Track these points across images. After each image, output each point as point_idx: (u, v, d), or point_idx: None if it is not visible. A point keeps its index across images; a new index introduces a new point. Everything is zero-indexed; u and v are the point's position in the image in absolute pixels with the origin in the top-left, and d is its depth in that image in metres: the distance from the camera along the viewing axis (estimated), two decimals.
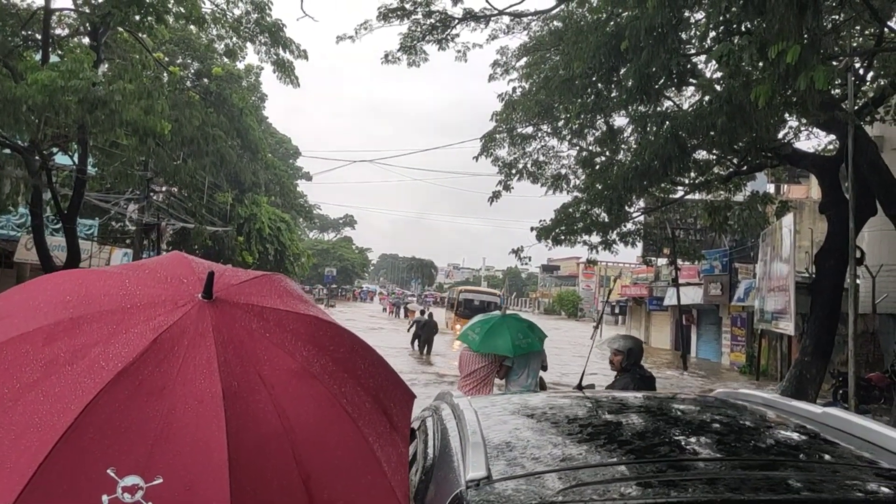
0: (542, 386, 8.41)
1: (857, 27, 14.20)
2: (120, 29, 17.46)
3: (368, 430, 1.76)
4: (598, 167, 18.59)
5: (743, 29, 9.27)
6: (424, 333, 27.09)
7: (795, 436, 2.17)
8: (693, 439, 2.21)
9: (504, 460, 1.84)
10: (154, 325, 1.69)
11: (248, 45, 20.13)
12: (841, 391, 15.93)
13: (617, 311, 59.54)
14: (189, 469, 1.51)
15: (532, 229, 21.34)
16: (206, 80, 32.41)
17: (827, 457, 2.02)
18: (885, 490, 1.72)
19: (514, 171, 20.90)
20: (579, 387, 5.67)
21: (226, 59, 29.76)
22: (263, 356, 1.72)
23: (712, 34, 10.63)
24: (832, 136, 18.20)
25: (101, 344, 1.64)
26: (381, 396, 1.90)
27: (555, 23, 18.17)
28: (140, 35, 18.63)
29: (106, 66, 18.67)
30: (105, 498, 1.45)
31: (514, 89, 20.26)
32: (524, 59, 20.15)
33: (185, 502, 1.49)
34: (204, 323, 1.71)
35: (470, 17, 17.92)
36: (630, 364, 5.69)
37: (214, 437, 1.54)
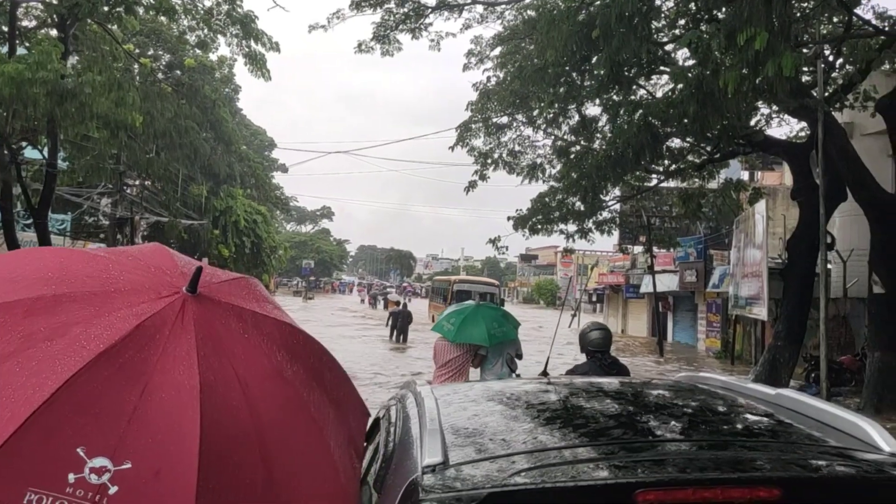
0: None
1: (826, 15, 14.34)
2: (89, 20, 17.18)
3: (332, 439, 1.79)
4: (573, 156, 18.65)
5: (712, 17, 9.35)
6: (400, 322, 27.69)
7: (749, 416, 2.22)
8: (649, 421, 2.26)
9: (462, 446, 1.87)
10: (137, 311, 1.69)
11: (220, 37, 19.92)
12: (813, 374, 16.19)
13: (594, 298, 59.92)
14: (160, 456, 1.51)
15: (509, 219, 21.41)
16: (178, 71, 32.07)
17: (777, 435, 2.07)
18: (829, 466, 1.77)
19: (489, 161, 20.92)
20: (544, 373, 5.70)
21: (198, 51, 29.47)
22: (240, 355, 1.74)
23: (681, 21, 10.70)
24: (803, 123, 18.40)
25: (82, 324, 1.63)
26: (343, 408, 1.94)
27: (528, 11, 18.18)
28: (109, 26, 18.36)
29: (75, 58, 18.38)
30: (71, 476, 1.45)
31: (488, 79, 20.28)
32: (498, 49, 20.16)
33: (151, 489, 1.49)
34: (186, 316, 1.72)
35: (443, 5, 17.88)
36: (594, 350, 5.70)
37: (189, 427, 1.55)
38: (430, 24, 18.55)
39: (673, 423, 2.23)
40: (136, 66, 22.00)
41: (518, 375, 7.85)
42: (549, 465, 1.65)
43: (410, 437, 1.99)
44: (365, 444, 2.75)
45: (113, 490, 1.46)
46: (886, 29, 13.34)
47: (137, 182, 31.77)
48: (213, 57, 33.98)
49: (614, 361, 5.77)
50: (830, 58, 16.13)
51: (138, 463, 1.49)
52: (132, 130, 17.14)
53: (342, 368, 2.06)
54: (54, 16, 16.87)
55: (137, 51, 27.65)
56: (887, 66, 15.96)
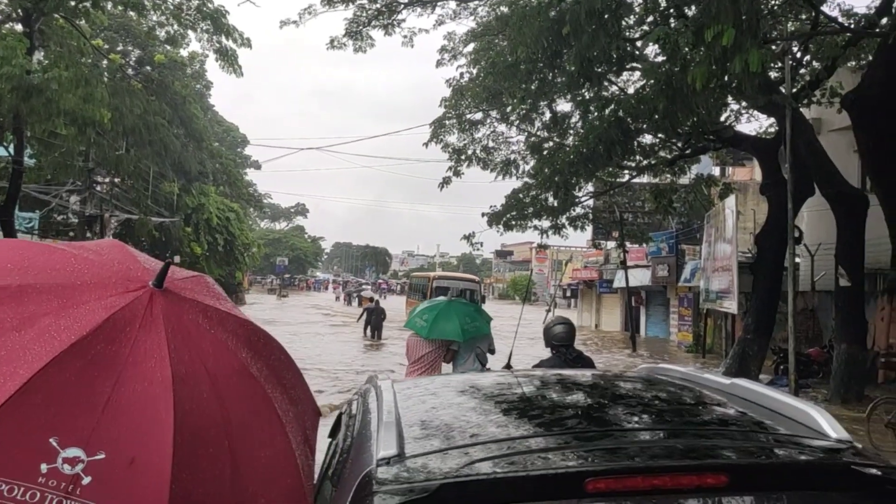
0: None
1: (793, 12, 14.55)
2: (55, 15, 16.90)
3: (292, 436, 1.81)
4: (546, 152, 18.75)
5: (681, 13, 9.43)
6: (374, 319, 27.89)
7: (702, 405, 2.27)
8: (605, 411, 2.31)
9: (419, 438, 1.89)
10: (106, 304, 1.68)
11: (190, 32, 19.72)
12: (782, 367, 16.44)
13: (569, 294, 60.23)
14: (134, 447, 1.51)
15: (483, 215, 21.48)
16: (148, 67, 31.65)
17: (727, 424, 2.12)
18: (775, 452, 1.82)
19: (463, 158, 20.95)
20: (507, 367, 5.75)
21: (168, 47, 29.12)
22: (208, 350, 1.75)
23: (650, 18, 10.79)
24: (772, 119, 18.66)
25: (51, 315, 1.62)
26: (300, 408, 1.95)
27: (501, 8, 18.22)
28: (77, 21, 18.08)
29: (41, 53, 18.08)
30: (44, 466, 1.45)
31: (461, 75, 20.30)
32: (472, 45, 20.18)
33: (125, 480, 1.49)
34: (155, 309, 1.72)
35: (416, 1, 17.84)
36: (558, 344, 5.74)
37: (162, 418, 1.55)
38: (403, 20, 18.55)
39: (627, 413, 2.27)
40: (104, 61, 21.69)
41: (488, 370, 7.90)
42: (502, 455, 1.68)
43: (368, 430, 2.01)
44: (330, 439, 2.76)
45: (86, 480, 1.46)
46: (852, 26, 13.56)
47: (107, 179, 31.35)
48: (183, 53, 33.62)
49: (579, 355, 5.81)
50: (798, 54, 16.38)
51: (112, 453, 1.49)
52: (101, 127, 16.93)
53: (297, 368, 2.07)
54: (19, 10, 16.56)
55: (106, 46, 27.24)
56: (853, 63, 16.24)
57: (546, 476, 1.59)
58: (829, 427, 1.82)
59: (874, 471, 1.67)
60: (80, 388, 1.54)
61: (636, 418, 2.18)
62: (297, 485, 1.77)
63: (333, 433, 2.73)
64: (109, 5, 17.88)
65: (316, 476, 2.17)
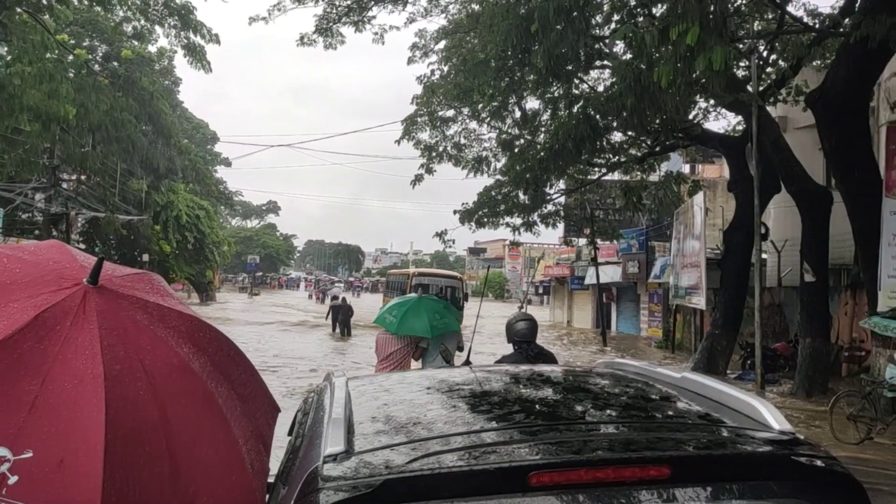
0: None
1: (759, 12, 14.75)
2: (18, 9, 16.59)
3: (239, 433, 1.79)
4: (517, 149, 18.82)
5: (649, 12, 9.51)
6: (342, 317, 28.05)
7: (650, 398, 2.30)
8: (555, 406, 2.34)
9: (368, 434, 1.89)
10: (36, 302, 1.66)
11: (158, 28, 19.50)
12: (749, 361, 16.67)
13: (541, 290, 60.52)
14: (63, 446, 1.49)
15: (455, 212, 21.52)
16: (115, 63, 31.19)
17: (674, 416, 2.16)
18: (717, 444, 1.85)
19: (434, 155, 20.96)
20: (466, 363, 5.78)
21: (135, 42, 28.73)
22: (146, 347, 1.72)
23: (617, 17, 10.88)
24: (740, 117, 18.91)
25: None
26: (251, 404, 1.94)
27: (472, 5, 18.23)
28: (41, 16, 17.76)
29: (4, 48, 17.74)
30: None
31: (432, 72, 20.28)
32: (443, 42, 20.18)
33: (54, 480, 1.47)
34: (88, 306, 1.70)
35: None
36: (520, 340, 5.77)
37: (93, 417, 1.52)
38: (374, 16, 18.49)
39: (577, 407, 2.30)
40: (69, 57, 21.34)
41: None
42: (449, 450, 1.68)
43: (319, 428, 2.00)
44: (289, 437, 2.75)
45: (13, 480, 1.44)
46: (816, 26, 13.77)
47: (73, 177, 30.86)
48: (151, 49, 33.22)
49: (540, 351, 5.84)
50: (764, 53, 16.61)
51: (40, 452, 1.47)
52: (66, 123, 16.67)
53: (250, 363, 2.05)
54: None
55: (72, 42, 26.78)
56: (818, 62, 16.50)
57: (490, 471, 1.59)
58: (772, 418, 1.86)
59: (813, 461, 1.70)
60: (6, 387, 1.51)
61: (585, 412, 2.20)
62: (244, 482, 1.75)
63: (291, 431, 2.72)
64: (75, 0, 17.59)
65: (275, 473, 2.16)
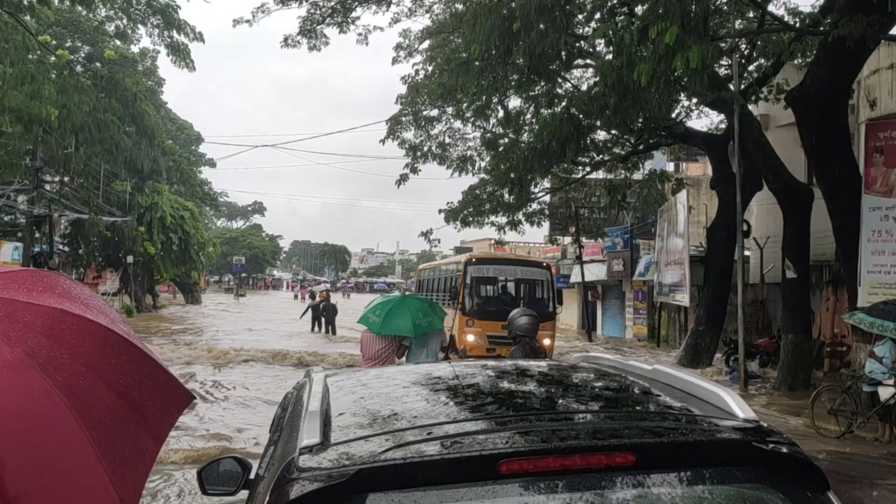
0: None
1: (739, 11, 14.88)
2: None
3: (96, 428, 1.65)
4: (501, 148, 18.88)
5: (630, 11, 9.59)
6: (327, 315, 28.30)
7: (621, 390, 2.38)
8: (528, 397, 2.40)
9: (344, 427, 1.93)
10: None
11: (141, 27, 19.40)
12: (733, 357, 16.80)
13: None
14: None
15: (440, 211, 21.57)
16: (97, 63, 30.95)
17: (642, 406, 2.23)
18: (682, 432, 1.91)
19: (419, 154, 20.97)
20: (446, 358, 5.87)
21: (118, 42, 28.54)
22: None
23: (598, 15, 10.96)
24: (722, 115, 19.05)
25: None
26: (135, 394, 1.84)
27: (456, 5, 18.27)
28: (22, 16, 17.62)
29: None
30: None
31: (416, 72, 20.30)
32: (427, 42, 20.20)
33: None
34: None
35: None
36: (522, 335, 5.92)
37: None
38: (358, 17, 18.48)
39: (548, 398, 2.37)
40: (51, 57, 21.18)
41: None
42: (422, 440, 1.73)
43: (297, 421, 2.04)
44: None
45: None
46: (797, 25, 13.91)
47: (56, 178, 30.61)
48: (134, 49, 33.01)
49: (537, 347, 6.00)
50: (746, 52, 16.75)
51: None
52: (48, 125, 16.55)
53: (144, 354, 1.94)
54: None
55: (54, 42, 26.56)
56: (799, 60, 16.65)
57: (461, 459, 1.64)
58: (737, 407, 1.92)
59: (775, 447, 1.76)
60: None
61: (556, 403, 2.27)
62: (92, 479, 1.61)
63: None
64: (56, 0, 17.47)
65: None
